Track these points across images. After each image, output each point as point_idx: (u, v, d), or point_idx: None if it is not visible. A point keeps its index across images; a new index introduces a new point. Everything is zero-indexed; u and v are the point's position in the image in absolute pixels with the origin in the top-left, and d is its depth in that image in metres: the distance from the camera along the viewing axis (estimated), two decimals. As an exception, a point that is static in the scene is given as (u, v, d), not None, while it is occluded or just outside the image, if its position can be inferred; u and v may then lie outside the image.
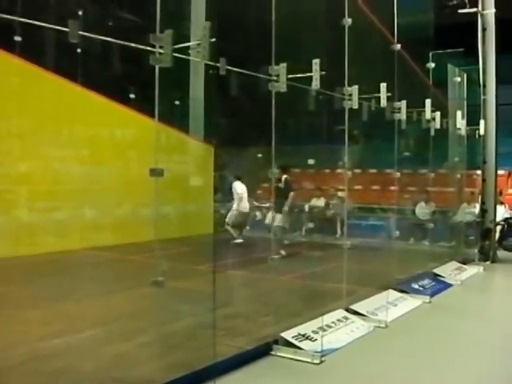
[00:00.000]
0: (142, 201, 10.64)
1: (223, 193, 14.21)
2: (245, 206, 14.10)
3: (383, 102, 9.28)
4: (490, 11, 13.39)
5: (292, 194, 12.69)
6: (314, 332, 6.53)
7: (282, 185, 12.26)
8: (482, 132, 13.52)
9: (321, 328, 6.62)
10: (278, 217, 11.97)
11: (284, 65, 6.68)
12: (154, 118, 5.14)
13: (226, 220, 13.85)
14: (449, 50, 13.83)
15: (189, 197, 12.94)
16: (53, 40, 12.44)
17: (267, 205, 13.37)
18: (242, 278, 10.13)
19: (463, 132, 13.82)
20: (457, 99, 14.09)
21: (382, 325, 7.43)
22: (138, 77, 10.68)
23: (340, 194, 15.03)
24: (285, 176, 12.42)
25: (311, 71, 7.31)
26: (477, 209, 14.37)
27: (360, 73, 8.97)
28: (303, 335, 6.40)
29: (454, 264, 11.99)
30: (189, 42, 5.54)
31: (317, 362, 5.96)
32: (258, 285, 9.08)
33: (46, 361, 5.51)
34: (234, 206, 13.95)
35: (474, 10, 13.42)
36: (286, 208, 12.37)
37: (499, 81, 13.53)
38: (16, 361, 5.43)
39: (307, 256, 12.54)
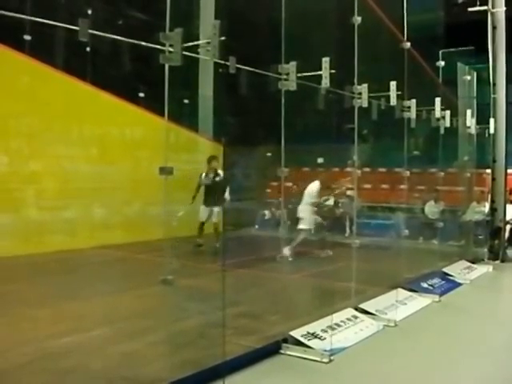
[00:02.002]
0: (152, 199, 10.71)
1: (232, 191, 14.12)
2: None
3: (393, 101, 9.26)
4: (501, 9, 13.33)
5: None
6: (323, 331, 6.52)
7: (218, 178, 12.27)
8: (491, 131, 13.47)
9: (330, 327, 6.61)
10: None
11: (294, 63, 6.68)
12: (163, 116, 5.14)
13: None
14: (459, 49, 13.77)
15: (198, 195, 12.90)
16: (62, 39, 12.49)
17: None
18: (251, 276, 10.12)
19: (473, 131, 13.77)
20: (467, 98, 14.05)
21: (392, 324, 7.42)
22: (148, 75, 10.69)
23: (349, 192, 15.02)
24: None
25: (321, 70, 7.30)
26: (486, 208, 14.33)
27: (370, 71, 8.96)
28: (312, 334, 6.39)
29: (464, 263, 11.95)
30: (198, 40, 5.54)
31: (326, 360, 5.95)
32: (266, 283, 9.08)
33: (54, 359, 5.51)
34: None
35: (484, 8, 13.36)
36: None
37: (509, 79, 13.47)
38: (25, 359, 5.44)
39: (316, 255, 12.51)
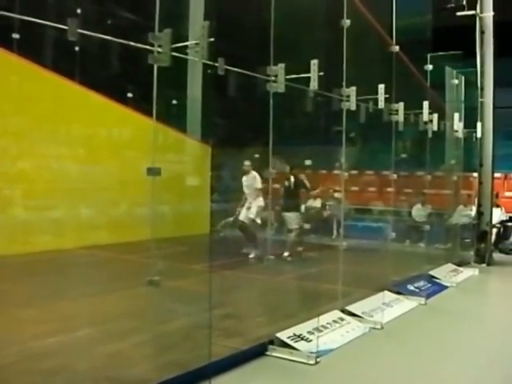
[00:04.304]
0: (139, 200, 10.67)
1: (219, 193, 14.07)
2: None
3: (381, 104, 9.28)
4: (489, 14, 13.40)
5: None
6: (309, 333, 6.52)
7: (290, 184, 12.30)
8: (479, 135, 13.54)
9: (316, 329, 6.62)
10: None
11: (282, 65, 6.69)
12: (151, 117, 5.13)
13: (252, 216, 12.00)
14: (447, 53, 13.83)
15: (185, 196, 12.88)
16: (51, 38, 12.43)
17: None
18: (238, 278, 10.12)
19: (460, 134, 13.84)
20: (454, 101, 14.13)
21: (378, 326, 7.43)
22: (136, 76, 10.67)
23: (336, 195, 15.05)
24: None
25: (309, 72, 7.31)
26: (473, 211, 14.40)
27: (358, 74, 8.98)
28: (298, 336, 6.40)
29: (450, 266, 12.00)
30: (187, 41, 5.53)
31: (312, 362, 5.95)
32: (253, 285, 9.08)
33: (39, 360, 5.49)
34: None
35: (473, 12, 13.43)
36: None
37: (497, 83, 13.54)
38: (9, 360, 5.40)
39: (303, 257, 12.52)
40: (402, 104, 9.85)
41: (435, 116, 11.92)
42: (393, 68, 9.23)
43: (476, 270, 12.32)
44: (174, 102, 16.32)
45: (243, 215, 12.03)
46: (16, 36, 11.43)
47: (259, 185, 12.03)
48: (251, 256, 11.65)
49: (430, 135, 11.84)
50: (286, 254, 11.93)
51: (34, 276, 9.37)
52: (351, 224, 14.33)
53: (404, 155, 13.85)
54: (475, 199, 14.08)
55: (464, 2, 13.75)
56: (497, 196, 15.43)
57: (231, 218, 12.35)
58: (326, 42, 8.93)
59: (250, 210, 12.04)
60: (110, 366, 5.47)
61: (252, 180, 12.12)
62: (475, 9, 13.43)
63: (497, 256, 14.06)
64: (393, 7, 9.58)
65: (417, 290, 9.63)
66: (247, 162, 12.29)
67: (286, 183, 12.25)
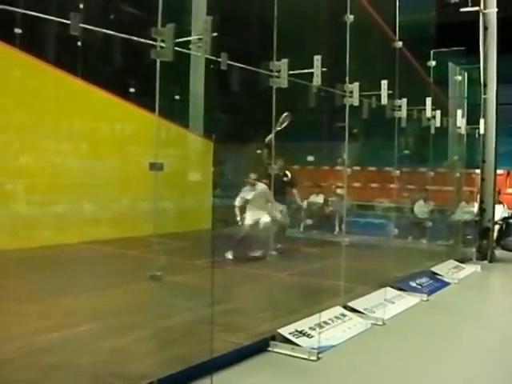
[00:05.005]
0: (141, 195, 10.67)
1: (222, 188, 14.05)
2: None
3: (384, 100, 9.25)
4: (492, 10, 13.36)
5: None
6: (311, 329, 6.52)
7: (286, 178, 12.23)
8: (481, 131, 13.51)
9: (318, 325, 6.62)
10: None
11: (285, 60, 6.66)
12: (154, 112, 5.11)
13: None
14: (450, 49, 13.80)
15: (188, 192, 12.87)
16: (53, 32, 12.43)
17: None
18: (240, 273, 10.11)
19: (463, 131, 13.82)
20: (457, 98, 14.09)
21: (380, 322, 7.43)
22: (139, 71, 10.66)
23: (339, 191, 15.05)
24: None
25: (312, 67, 7.29)
26: (475, 208, 14.38)
27: (361, 70, 8.95)
28: (300, 332, 6.40)
29: (452, 263, 11.99)
30: (190, 36, 5.51)
31: (313, 358, 5.95)
32: (255, 281, 9.06)
33: (42, 355, 5.49)
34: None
35: (476, 8, 13.38)
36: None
37: (500, 80, 13.51)
38: (12, 355, 5.40)
39: (305, 252, 12.52)
40: (405, 100, 9.81)
41: (438, 112, 11.90)
42: (396, 64, 9.20)
43: (478, 266, 12.30)
44: (177, 97, 16.33)
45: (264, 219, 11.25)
46: (18, 31, 11.43)
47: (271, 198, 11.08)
48: (229, 257, 11.25)
49: (432, 131, 11.82)
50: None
51: (37, 271, 9.38)
52: (353, 220, 14.33)
53: (407, 151, 13.83)
54: (477, 196, 14.07)
55: (468, -2, 13.73)
56: (499, 193, 15.42)
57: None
58: (329, 38, 8.91)
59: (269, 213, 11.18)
60: (113, 361, 5.48)
61: (264, 190, 11.40)
62: (479, 5, 13.38)
63: (499, 253, 14.05)
64: (396, 3, 9.54)
65: (419, 287, 9.62)
66: (253, 175, 11.71)
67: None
